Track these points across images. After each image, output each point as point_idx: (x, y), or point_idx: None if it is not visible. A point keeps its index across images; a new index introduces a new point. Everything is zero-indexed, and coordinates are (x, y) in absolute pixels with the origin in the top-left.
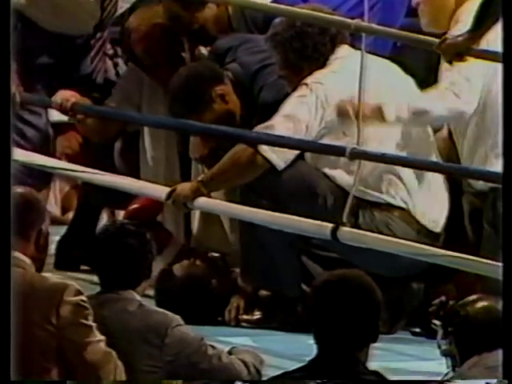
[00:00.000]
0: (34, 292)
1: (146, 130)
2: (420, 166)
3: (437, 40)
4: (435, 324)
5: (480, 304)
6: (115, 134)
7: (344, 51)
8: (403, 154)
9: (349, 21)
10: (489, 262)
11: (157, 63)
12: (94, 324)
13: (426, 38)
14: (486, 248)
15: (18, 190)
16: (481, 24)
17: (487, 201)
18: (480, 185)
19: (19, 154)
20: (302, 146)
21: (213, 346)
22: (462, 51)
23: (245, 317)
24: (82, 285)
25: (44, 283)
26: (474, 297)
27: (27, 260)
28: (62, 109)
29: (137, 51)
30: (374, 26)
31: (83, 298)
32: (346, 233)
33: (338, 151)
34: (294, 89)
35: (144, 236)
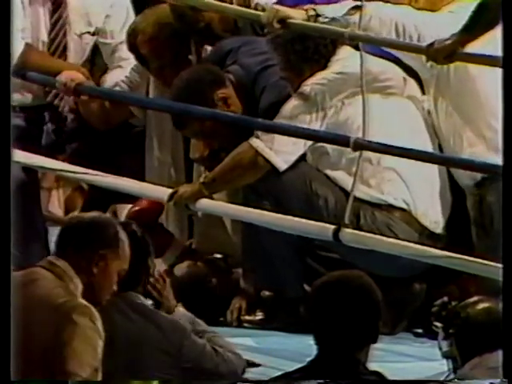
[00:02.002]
0: (43, 302)
1: (152, 131)
2: (423, 158)
3: None
4: (436, 326)
5: (480, 305)
6: (118, 123)
7: (345, 52)
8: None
9: (342, 30)
10: (490, 263)
11: (163, 64)
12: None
13: (417, 44)
14: (478, 249)
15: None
16: (473, 27)
17: (472, 198)
18: (464, 179)
19: (20, 156)
20: (306, 135)
21: (214, 349)
22: (450, 54)
23: (247, 317)
24: None
25: (57, 298)
26: (474, 298)
27: (73, 275)
28: (66, 88)
29: (143, 52)
30: (367, 34)
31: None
32: (348, 234)
33: (342, 141)
34: (296, 90)
35: (143, 238)
